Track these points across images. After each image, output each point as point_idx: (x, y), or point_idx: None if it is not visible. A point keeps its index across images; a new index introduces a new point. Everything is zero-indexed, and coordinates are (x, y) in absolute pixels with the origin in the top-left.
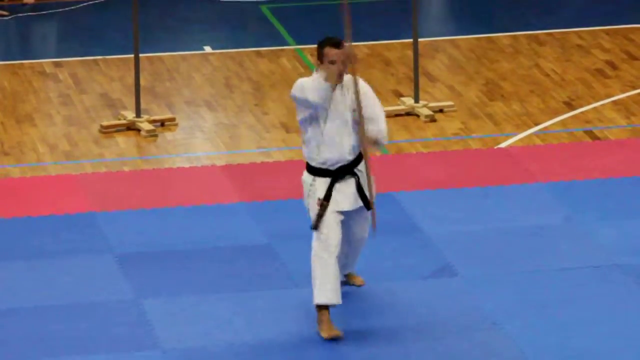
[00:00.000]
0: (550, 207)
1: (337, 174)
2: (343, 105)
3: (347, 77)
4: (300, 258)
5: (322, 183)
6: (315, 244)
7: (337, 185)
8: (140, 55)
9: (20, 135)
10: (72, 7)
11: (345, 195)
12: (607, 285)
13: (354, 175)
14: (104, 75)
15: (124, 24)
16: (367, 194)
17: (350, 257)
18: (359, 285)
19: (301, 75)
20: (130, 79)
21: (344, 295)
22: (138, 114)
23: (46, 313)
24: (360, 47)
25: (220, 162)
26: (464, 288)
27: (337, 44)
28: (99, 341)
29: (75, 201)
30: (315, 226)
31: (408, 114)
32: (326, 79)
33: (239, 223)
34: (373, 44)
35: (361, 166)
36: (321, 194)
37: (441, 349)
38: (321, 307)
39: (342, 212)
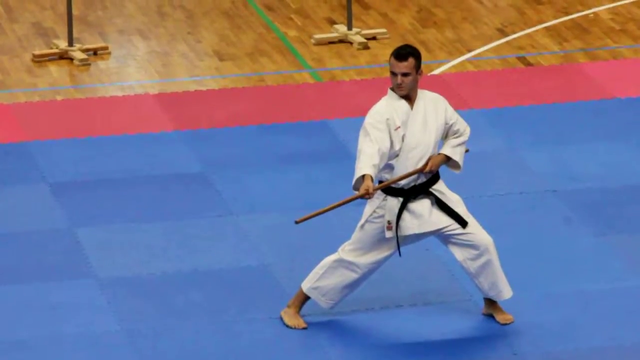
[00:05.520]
0: (483, 133)
1: (410, 194)
2: (424, 122)
3: (428, 95)
4: (235, 186)
5: (394, 202)
6: (347, 248)
7: (410, 205)
8: None
9: None
10: None
11: (415, 216)
12: (540, 211)
13: (429, 194)
14: (36, 4)
15: None
16: (454, 209)
17: (478, 283)
18: (503, 324)
19: (233, 3)
20: (63, 8)
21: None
22: (70, 43)
23: None
24: None
25: (153, 91)
26: None
27: (400, 56)
28: (33, 270)
29: (8, 131)
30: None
31: (341, 41)
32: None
33: (173, 151)
34: None
35: (439, 186)
36: (391, 216)
37: (375, 275)
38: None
39: (411, 237)
